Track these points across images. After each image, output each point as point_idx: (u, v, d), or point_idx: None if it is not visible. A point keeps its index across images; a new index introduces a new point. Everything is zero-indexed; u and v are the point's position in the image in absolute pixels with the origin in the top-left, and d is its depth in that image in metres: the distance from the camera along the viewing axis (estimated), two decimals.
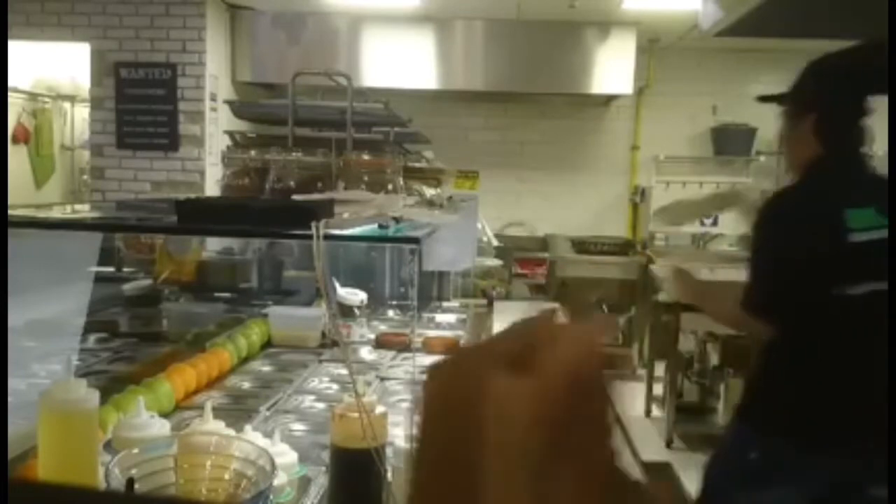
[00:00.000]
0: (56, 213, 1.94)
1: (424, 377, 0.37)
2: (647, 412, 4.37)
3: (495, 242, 3.63)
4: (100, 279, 1.83)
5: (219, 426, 1.35)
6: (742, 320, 1.82)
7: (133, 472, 1.11)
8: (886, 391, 1.41)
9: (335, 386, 2.01)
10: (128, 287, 2.65)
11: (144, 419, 1.33)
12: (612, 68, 5.36)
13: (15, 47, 4.42)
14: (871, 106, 1.73)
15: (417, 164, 2.75)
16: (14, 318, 1.20)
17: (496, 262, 3.96)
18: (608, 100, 5.93)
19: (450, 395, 0.35)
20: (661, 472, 3.46)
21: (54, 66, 5.75)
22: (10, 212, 1.39)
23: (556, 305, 2.29)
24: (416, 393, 0.39)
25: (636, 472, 0.37)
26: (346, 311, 2.52)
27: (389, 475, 1.21)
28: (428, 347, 2.27)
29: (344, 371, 2.01)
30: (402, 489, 1.14)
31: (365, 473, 1.19)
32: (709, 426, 4.01)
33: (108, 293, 2.50)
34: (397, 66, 5.31)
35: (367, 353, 2.34)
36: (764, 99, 1.98)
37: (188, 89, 4.99)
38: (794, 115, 1.82)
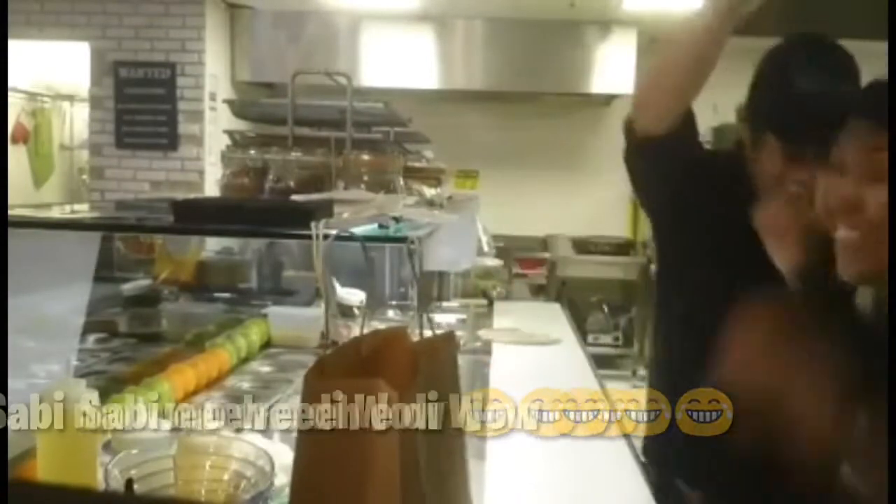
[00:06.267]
0: (55, 213, 1.94)
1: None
2: None
3: (486, 249, 3.57)
4: (99, 279, 1.82)
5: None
6: None
7: (132, 472, 1.11)
8: None
9: None
10: (127, 287, 2.64)
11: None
12: (613, 68, 5.36)
13: (14, 47, 4.41)
14: None
15: (417, 164, 2.75)
16: (13, 319, 1.19)
17: (496, 262, 3.95)
18: (609, 99, 5.92)
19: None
20: None
21: (53, 65, 5.74)
22: (9, 212, 1.39)
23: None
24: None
25: None
26: (345, 311, 2.51)
27: None
28: None
29: None
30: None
31: None
32: None
33: (107, 293, 2.49)
34: (397, 66, 5.30)
35: None
36: None
37: (187, 89, 4.98)
38: None
